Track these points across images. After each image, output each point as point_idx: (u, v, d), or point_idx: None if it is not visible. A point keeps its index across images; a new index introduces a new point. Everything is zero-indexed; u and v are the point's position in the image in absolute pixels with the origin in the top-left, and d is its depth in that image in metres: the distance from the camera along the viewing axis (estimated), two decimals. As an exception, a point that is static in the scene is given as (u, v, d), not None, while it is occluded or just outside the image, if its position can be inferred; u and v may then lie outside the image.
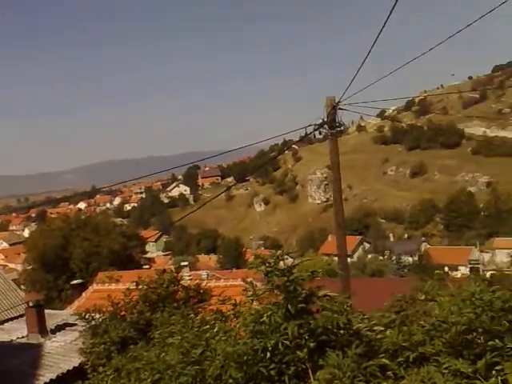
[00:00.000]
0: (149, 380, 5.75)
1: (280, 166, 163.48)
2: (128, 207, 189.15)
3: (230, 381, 4.88)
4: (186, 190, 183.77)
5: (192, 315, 7.51)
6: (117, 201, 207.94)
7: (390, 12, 7.35)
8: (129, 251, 47.68)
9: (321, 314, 4.99)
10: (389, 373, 4.59)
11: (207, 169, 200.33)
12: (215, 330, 5.80)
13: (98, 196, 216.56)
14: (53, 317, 13.96)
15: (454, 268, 68.80)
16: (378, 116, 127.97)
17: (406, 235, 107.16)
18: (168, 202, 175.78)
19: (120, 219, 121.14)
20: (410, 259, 72.80)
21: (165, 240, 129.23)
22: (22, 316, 14.60)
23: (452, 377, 4.21)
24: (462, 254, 76.64)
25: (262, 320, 5.02)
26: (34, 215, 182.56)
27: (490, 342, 4.43)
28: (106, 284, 18.82)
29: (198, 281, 13.00)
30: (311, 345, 4.86)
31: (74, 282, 24.86)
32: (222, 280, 17.58)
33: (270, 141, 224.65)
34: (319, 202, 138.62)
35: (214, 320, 6.28)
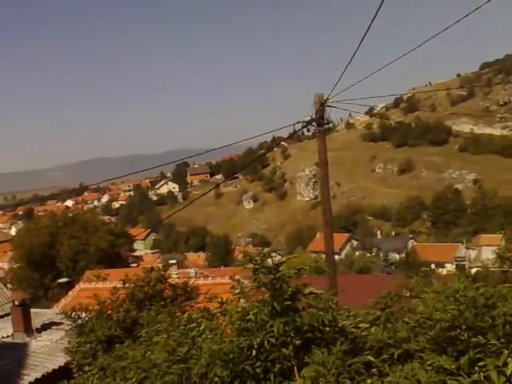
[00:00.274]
0: (134, 379, 5.73)
1: (269, 164, 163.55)
2: (116, 205, 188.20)
3: (216, 379, 4.87)
4: (174, 188, 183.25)
5: (179, 313, 7.49)
6: (105, 198, 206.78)
7: (376, 12, 7.37)
8: (117, 249, 47.39)
9: (306, 312, 5.01)
10: (373, 370, 4.62)
11: (196, 166, 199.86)
12: (201, 328, 5.79)
13: (85, 194, 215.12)
14: (39, 316, 13.85)
15: (441, 265, 69.45)
16: (366, 113, 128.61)
17: (393, 232, 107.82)
18: (156, 199, 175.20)
19: (108, 217, 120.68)
20: (397, 256, 73.28)
21: (153, 238, 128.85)
22: (7, 315, 14.48)
23: (435, 373, 4.24)
24: (448, 250, 77.33)
25: (248, 318, 5.02)
26: (20, 213, 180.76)
27: (473, 339, 4.47)
28: (93, 282, 18.73)
29: (185, 279, 12.97)
30: (297, 342, 4.87)
31: (61, 280, 24.73)
32: (210, 278, 17.52)
33: (258, 138, 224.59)
34: (308, 199, 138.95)
35: (201, 318, 6.28)
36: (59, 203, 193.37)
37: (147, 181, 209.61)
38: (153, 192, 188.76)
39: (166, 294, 10.63)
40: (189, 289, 11.03)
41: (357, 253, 77.21)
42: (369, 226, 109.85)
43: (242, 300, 5.77)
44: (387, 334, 4.93)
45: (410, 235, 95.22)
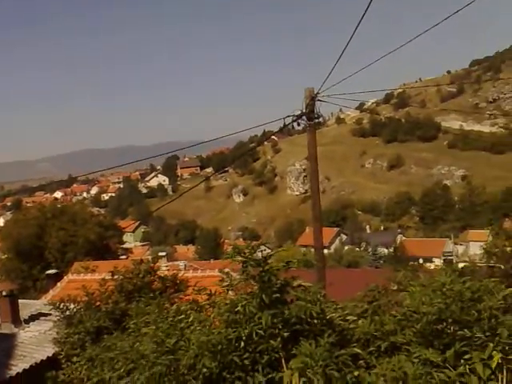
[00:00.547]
0: (122, 370, 5.74)
1: (259, 157, 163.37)
2: (105, 197, 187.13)
3: (204, 370, 4.89)
4: (164, 181, 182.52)
5: (168, 305, 7.50)
6: (94, 190, 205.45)
7: (366, 8, 7.38)
8: (106, 241, 47.21)
9: (294, 304, 5.04)
10: (360, 362, 4.67)
11: (186, 159, 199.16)
12: (190, 319, 5.81)
13: (74, 185, 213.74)
14: (27, 306, 13.77)
15: (429, 260, 69.90)
16: (357, 108, 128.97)
17: (382, 227, 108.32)
18: (146, 192, 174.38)
19: (97, 209, 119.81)
20: (386, 251, 73.72)
21: (143, 230, 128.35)
22: (-5, 306, 14.37)
23: (422, 366, 4.30)
24: (436, 246, 77.85)
25: (236, 310, 5.05)
26: (9, 204, 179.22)
27: (459, 332, 4.53)
28: (82, 274, 18.66)
29: (174, 271, 12.96)
30: (285, 334, 4.90)
31: (49, 271, 24.49)
32: (200, 270, 17.52)
33: (249, 132, 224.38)
34: (298, 193, 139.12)
35: (190, 310, 6.29)
36: (48, 195, 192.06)
37: (137, 173, 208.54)
38: (142, 184, 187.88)
39: (155, 285, 10.61)
40: (178, 281, 11.02)
41: (346, 247, 77.51)
42: (358, 220, 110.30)
43: (230, 292, 5.80)
44: (374, 327, 4.98)
45: (399, 230, 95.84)
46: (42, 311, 12.86)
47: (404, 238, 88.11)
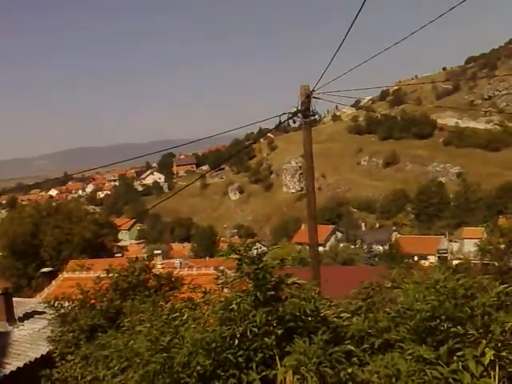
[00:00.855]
0: (116, 368, 5.74)
1: (255, 155, 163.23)
2: (101, 195, 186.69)
3: (198, 368, 4.89)
4: (160, 178, 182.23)
5: (162, 303, 7.49)
6: (89, 188, 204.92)
7: (362, 5, 7.37)
8: (101, 239, 47.12)
9: (289, 301, 5.05)
10: (354, 359, 4.68)
11: (182, 157, 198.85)
12: (184, 317, 5.80)
13: (70, 183, 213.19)
14: (21, 305, 13.73)
15: (424, 257, 70.08)
16: (352, 106, 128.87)
17: (377, 225, 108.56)
18: (142, 189, 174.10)
19: (93, 207, 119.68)
20: (381, 248, 73.87)
21: (138, 228, 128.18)
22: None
23: (415, 363, 4.31)
24: (431, 243, 78.05)
25: (231, 307, 5.04)
26: (4, 202, 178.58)
27: (452, 329, 4.55)
28: (77, 272, 18.63)
29: (170, 269, 12.94)
30: (279, 332, 4.91)
31: (44, 269, 24.42)
32: (195, 268, 17.51)
33: (245, 129, 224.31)
34: (294, 191, 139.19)
35: (184, 308, 6.29)
36: (43, 192, 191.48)
37: (132, 171, 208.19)
38: (138, 182, 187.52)
39: (150, 283, 10.61)
40: (173, 279, 11.01)
41: (341, 244, 77.62)
42: (353, 218, 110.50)
43: (225, 290, 5.80)
44: (368, 324, 4.99)
45: (394, 227, 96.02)
46: (37, 309, 12.83)
47: (399, 235, 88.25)
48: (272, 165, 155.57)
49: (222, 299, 5.40)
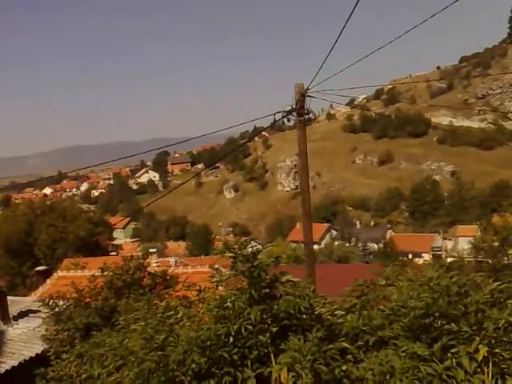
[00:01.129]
0: (111, 366, 5.73)
1: (250, 153, 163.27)
2: (95, 193, 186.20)
3: (193, 366, 4.90)
4: (155, 177, 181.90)
5: (157, 302, 7.50)
6: (84, 186, 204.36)
7: (355, 4, 7.39)
8: (95, 238, 47.02)
9: (283, 299, 5.06)
10: (349, 356, 4.70)
11: (177, 155, 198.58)
12: (179, 315, 5.81)
13: (64, 181, 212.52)
14: (16, 303, 13.70)
15: (418, 255, 70.35)
16: (347, 104, 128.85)
17: (372, 223, 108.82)
18: (137, 188, 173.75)
19: (87, 205, 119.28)
20: (376, 246, 74.10)
21: (133, 227, 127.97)
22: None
23: (409, 360, 4.33)
24: (425, 241, 78.37)
25: (225, 305, 5.05)
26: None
27: (446, 326, 4.57)
28: (72, 271, 18.60)
29: (165, 267, 12.94)
30: (274, 329, 4.92)
31: (39, 268, 24.37)
32: (190, 267, 17.53)
33: (240, 128, 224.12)
34: (288, 189, 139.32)
35: (179, 306, 6.29)
36: (37, 191, 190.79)
37: (127, 169, 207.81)
38: (133, 181, 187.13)
39: (145, 282, 10.61)
40: (168, 277, 11.02)
41: (336, 242, 77.83)
42: (348, 216, 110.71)
43: (220, 288, 5.81)
44: (362, 321, 5.01)
45: (389, 225, 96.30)
46: (31, 308, 12.81)
47: (394, 233, 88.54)
48: (267, 163, 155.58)
49: (217, 297, 5.41)
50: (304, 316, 5.01)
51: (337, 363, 4.49)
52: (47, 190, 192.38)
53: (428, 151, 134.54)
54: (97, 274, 10.79)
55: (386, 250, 67.72)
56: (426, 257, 70.03)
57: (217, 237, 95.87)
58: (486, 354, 4.21)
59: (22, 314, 12.92)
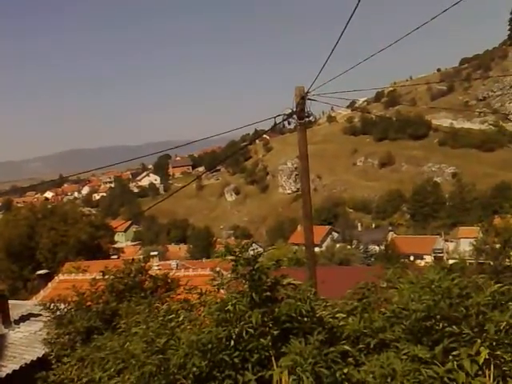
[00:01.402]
0: (112, 369, 5.73)
1: (251, 156, 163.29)
2: (97, 197, 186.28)
3: (194, 369, 4.89)
4: (156, 180, 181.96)
5: (159, 305, 7.49)
6: (85, 190, 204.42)
7: (356, 6, 7.40)
8: (97, 241, 47.05)
9: (284, 302, 5.05)
10: (350, 359, 4.69)
11: (178, 158, 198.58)
12: (180, 319, 5.81)
13: (65, 185, 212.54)
14: (17, 307, 13.68)
15: (420, 257, 70.31)
16: (348, 107, 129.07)
17: (373, 225, 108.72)
18: (138, 191, 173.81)
19: (88, 209, 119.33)
20: (377, 248, 74.02)
21: (134, 230, 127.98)
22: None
23: (410, 362, 4.32)
24: (427, 243, 78.31)
25: (226, 308, 5.05)
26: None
27: (447, 329, 4.56)
28: (73, 274, 18.58)
29: (166, 270, 12.93)
30: (275, 332, 4.92)
31: (40, 272, 24.36)
32: (191, 270, 17.50)
33: (241, 131, 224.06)
34: (290, 191, 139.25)
35: (180, 309, 6.29)
36: (38, 195, 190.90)
37: (128, 172, 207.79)
38: (134, 184, 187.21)
39: (146, 285, 10.59)
40: (169, 280, 11.00)
41: (337, 245, 77.73)
42: (349, 218, 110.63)
43: (222, 291, 5.80)
44: (364, 324, 5.01)
45: (390, 227, 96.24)
46: (33, 312, 12.79)
47: (395, 235, 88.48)
48: (268, 166, 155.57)
49: (218, 300, 5.41)
50: (305, 319, 5.01)
51: (338, 366, 4.48)
52: (48, 194, 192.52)
53: (429, 153, 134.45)
54: (98, 277, 10.78)
55: (387, 252, 67.63)
56: (428, 259, 70.00)
57: (218, 240, 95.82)
58: (487, 357, 4.21)
59: (24, 318, 12.91)
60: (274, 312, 5.00)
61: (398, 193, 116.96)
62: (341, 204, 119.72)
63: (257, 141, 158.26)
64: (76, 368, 7.64)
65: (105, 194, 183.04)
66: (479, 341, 4.32)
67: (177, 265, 27.38)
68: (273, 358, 4.81)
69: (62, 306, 9.97)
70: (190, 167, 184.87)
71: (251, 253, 5.34)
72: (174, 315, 5.92)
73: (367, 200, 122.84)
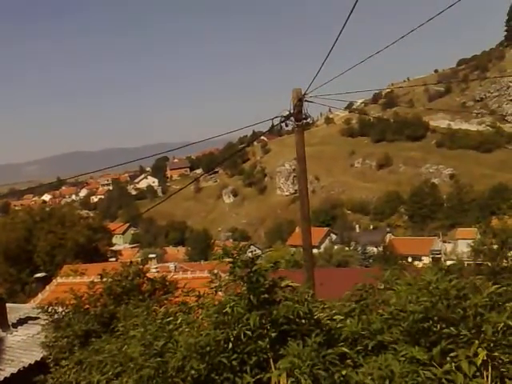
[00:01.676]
0: (110, 373, 5.72)
1: (249, 158, 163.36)
2: (95, 199, 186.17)
3: (192, 372, 4.89)
4: (154, 182, 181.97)
5: (157, 308, 7.48)
6: (83, 193, 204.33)
7: (353, 8, 7.42)
8: (95, 244, 46.93)
9: (282, 304, 5.05)
10: (348, 361, 4.69)
11: (176, 160, 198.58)
12: (178, 321, 5.80)
13: (63, 188, 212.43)
14: (15, 310, 13.68)
15: (418, 258, 70.41)
16: (345, 109, 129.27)
17: (371, 226, 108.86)
18: (136, 193, 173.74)
19: (86, 211, 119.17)
20: (375, 250, 74.07)
21: (132, 232, 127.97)
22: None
23: (408, 364, 4.32)
24: (425, 244, 78.46)
25: (224, 311, 5.05)
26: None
27: (445, 330, 4.56)
28: (71, 277, 18.54)
29: (164, 273, 12.93)
30: (273, 334, 4.91)
31: (38, 275, 24.32)
32: (190, 272, 17.48)
33: (238, 133, 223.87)
34: (288, 193, 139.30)
35: (178, 312, 6.28)
36: (36, 198, 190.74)
37: (126, 175, 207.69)
38: (132, 186, 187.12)
39: (144, 288, 10.58)
40: (167, 283, 10.99)
41: (335, 246, 77.83)
42: (347, 220, 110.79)
43: (220, 293, 5.80)
44: (361, 326, 5.00)
45: (388, 229, 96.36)
46: (31, 315, 12.78)
47: (393, 236, 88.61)
48: (266, 168, 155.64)
49: (216, 303, 5.40)
50: (303, 321, 5.01)
51: (336, 368, 4.48)
52: (46, 197, 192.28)
53: (426, 154, 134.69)
54: (96, 280, 10.77)
55: (385, 253, 67.72)
56: (426, 260, 70.09)
57: (216, 242, 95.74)
58: (485, 358, 4.21)
59: (22, 321, 12.90)
60: (272, 314, 4.99)
61: (396, 194, 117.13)
62: (339, 206, 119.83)
63: (255, 143, 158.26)
64: (74, 371, 7.63)
65: (103, 197, 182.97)
66: (477, 342, 4.32)
67: (175, 267, 27.41)
68: (271, 361, 4.81)
69: (60, 309, 9.97)
70: (188, 169, 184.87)
71: (249, 255, 5.34)
72: (171, 318, 5.92)
73: (365, 201, 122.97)
